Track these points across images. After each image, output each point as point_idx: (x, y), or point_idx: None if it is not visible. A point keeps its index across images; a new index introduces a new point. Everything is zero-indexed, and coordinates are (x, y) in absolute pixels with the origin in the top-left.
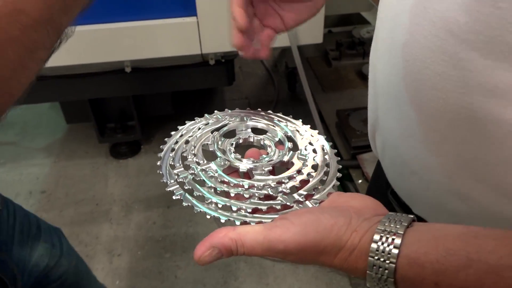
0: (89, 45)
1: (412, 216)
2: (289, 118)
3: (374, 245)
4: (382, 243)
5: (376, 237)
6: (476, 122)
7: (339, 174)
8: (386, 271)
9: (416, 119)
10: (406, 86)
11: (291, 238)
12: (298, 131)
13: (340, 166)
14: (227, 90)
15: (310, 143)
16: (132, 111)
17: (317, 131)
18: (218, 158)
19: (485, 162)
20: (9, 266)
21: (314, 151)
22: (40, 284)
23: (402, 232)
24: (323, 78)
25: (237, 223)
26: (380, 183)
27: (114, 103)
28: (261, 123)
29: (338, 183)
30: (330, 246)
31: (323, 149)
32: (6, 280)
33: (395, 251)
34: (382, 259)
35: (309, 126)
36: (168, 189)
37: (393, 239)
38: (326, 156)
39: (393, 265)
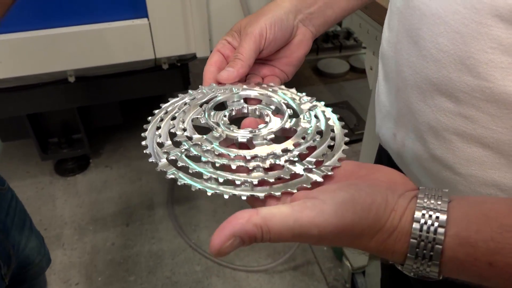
0: (24, 55)
1: (446, 190)
2: (282, 87)
3: (416, 225)
4: (426, 222)
5: (418, 214)
6: None
7: (346, 139)
8: (432, 253)
9: (455, 111)
10: (444, 77)
11: (326, 221)
12: (295, 98)
13: (346, 130)
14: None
15: (311, 110)
16: (77, 123)
17: (315, 98)
18: (213, 130)
19: None
20: (4, 245)
21: (316, 116)
22: (19, 278)
23: (445, 209)
24: None
25: (243, 198)
26: None
27: (56, 116)
28: (254, 92)
29: (347, 147)
30: (368, 228)
31: (324, 115)
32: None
33: (441, 230)
34: (427, 240)
35: (305, 93)
36: (159, 169)
37: (437, 217)
38: (330, 122)
39: (440, 246)
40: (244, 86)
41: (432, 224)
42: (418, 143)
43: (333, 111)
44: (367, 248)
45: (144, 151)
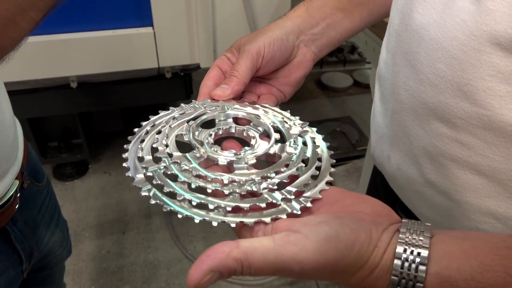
0: (27, 59)
1: (429, 224)
2: (276, 109)
3: (397, 262)
4: (407, 259)
5: (400, 249)
6: None
7: (332, 169)
8: None
9: (451, 136)
10: (441, 103)
11: (308, 258)
12: (286, 122)
13: (334, 161)
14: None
15: (300, 136)
16: (77, 128)
17: (307, 123)
18: (194, 150)
19: None
20: (30, 242)
21: (305, 143)
22: (37, 266)
23: (427, 245)
24: None
25: (214, 224)
26: (379, 195)
27: (56, 120)
28: (243, 112)
29: (332, 179)
30: (350, 266)
31: (314, 142)
32: (22, 255)
33: (422, 268)
34: (408, 278)
35: (298, 117)
36: (134, 184)
37: (419, 253)
38: (318, 150)
39: (421, 285)
40: (236, 105)
41: (414, 261)
42: (412, 167)
43: (331, 131)
44: (348, 284)
45: (124, 164)
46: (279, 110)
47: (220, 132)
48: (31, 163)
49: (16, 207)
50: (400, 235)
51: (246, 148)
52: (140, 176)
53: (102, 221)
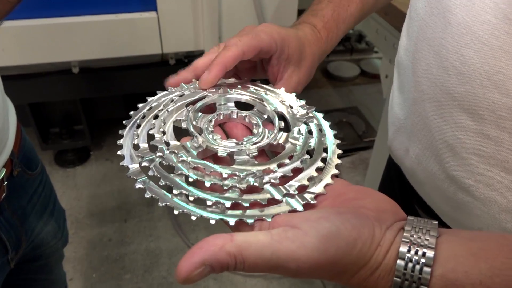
0: (28, 43)
1: (436, 222)
2: (281, 91)
3: (401, 262)
4: (411, 260)
5: (403, 249)
6: None
7: (339, 161)
8: None
9: (476, 130)
10: (467, 93)
11: (307, 255)
12: (291, 107)
13: (341, 151)
14: None
15: (306, 123)
16: (79, 114)
17: (313, 108)
18: (193, 138)
19: None
20: (17, 231)
21: (310, 132)
22: (30, 256)
23: (433, 245)
24: None
25: (212, 221)
26: (393, 190)
27: (58, 106)
28: (246, 96)
29: (338, 172)
30: (351, 265)
31: (320, 130)
32: (8, 244)
33: (427, 269)
34: (411, 279)
35: (304, 101)
36: (129, 175)
37: (424, 253)
38: (324, 139)
39: None
40: (239, 87)
41: (418, 262)
42: (433, 161)
43: (337, 122)
44: (348, 284)
45: (118, 152)
46: (285, 93)
47: (221, 117)
48: (24, 151)
49: (3, 196)
50: (404, 234)
51: (249, 137)
52: (135, 166)
53: (103, 209)
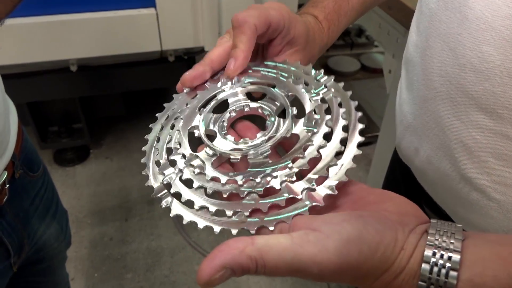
0: (26, 41)
1: (460, 225)
2: (295, 65)
3: (426, 266)
4: (436, 263)
5: (428, 253)
6: None
7: (361, 139)
8: None
9: (495, 129)
10: (485, 91)
11: (329, 259)
12: (306, 84)
13: (363, 125)
14: None
15: (323, 100)
16: (78, 112)
17: (332, 78)
18: (206, 148)
19: None
20: (19, 235)
21: (328, 110)
22: (33, 259)
23: (459, 248)
24: None
25: (234, 232)
26: (399, 189)
27: (56, 104)
28: (254, 86)
29: (360, 152)
30: (374, 269)
31: (340, 105)
32: (10, 248)
33: (454, 273)
34: (437, 284)
35: (322, 70)
36: (153, 196)
37: (449, 257)
38: (343, 114)
39: None
40: (250, 72)
41: (444, 266)
42: (446, 161)
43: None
44: None
45: (142, 172)
46: (301, 66)
47: (234, 114)
48: (25, 152)
49: (5, 199)
50: (428, 237)
51: (260, 134)
52: (158, 185)
53: (104, 208)
